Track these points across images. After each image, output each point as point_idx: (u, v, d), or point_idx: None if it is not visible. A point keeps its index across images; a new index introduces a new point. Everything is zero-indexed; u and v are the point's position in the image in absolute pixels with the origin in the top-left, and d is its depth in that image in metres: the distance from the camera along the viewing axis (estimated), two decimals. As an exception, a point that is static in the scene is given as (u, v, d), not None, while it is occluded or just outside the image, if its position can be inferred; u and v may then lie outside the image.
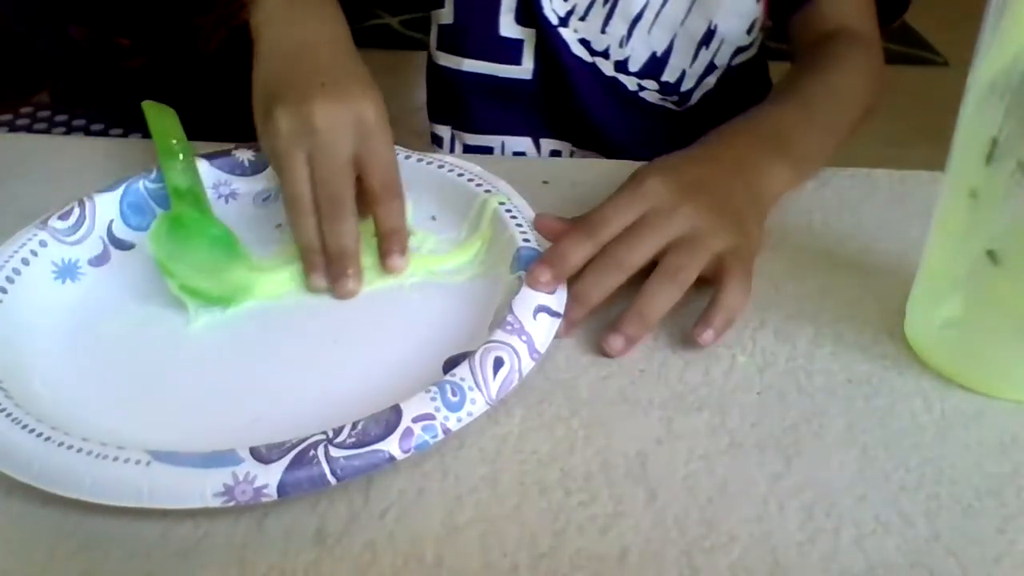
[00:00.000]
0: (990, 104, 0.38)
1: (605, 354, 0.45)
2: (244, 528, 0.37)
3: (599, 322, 0.46)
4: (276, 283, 0.50)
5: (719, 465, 0.39)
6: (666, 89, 0.72)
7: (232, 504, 0.35)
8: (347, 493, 0.38)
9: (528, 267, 0.46)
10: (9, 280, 0.46)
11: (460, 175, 0.54)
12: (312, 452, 0.36)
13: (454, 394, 0.39)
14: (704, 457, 0.39)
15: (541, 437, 0.40)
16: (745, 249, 0.47)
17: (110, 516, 0.36)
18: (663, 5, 0.68)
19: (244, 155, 0.56)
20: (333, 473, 0.36)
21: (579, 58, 0.70)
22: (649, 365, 0.44)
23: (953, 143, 0.41)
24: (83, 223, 0.50)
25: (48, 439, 0.37)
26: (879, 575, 0.34)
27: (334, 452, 0.36)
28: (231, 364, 0.45)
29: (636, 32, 0.69)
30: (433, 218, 0.53)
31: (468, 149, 0.77)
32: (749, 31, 0.70)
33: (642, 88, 0.72)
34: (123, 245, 0.52)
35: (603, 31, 0.69)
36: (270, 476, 0.35)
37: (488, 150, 0.76)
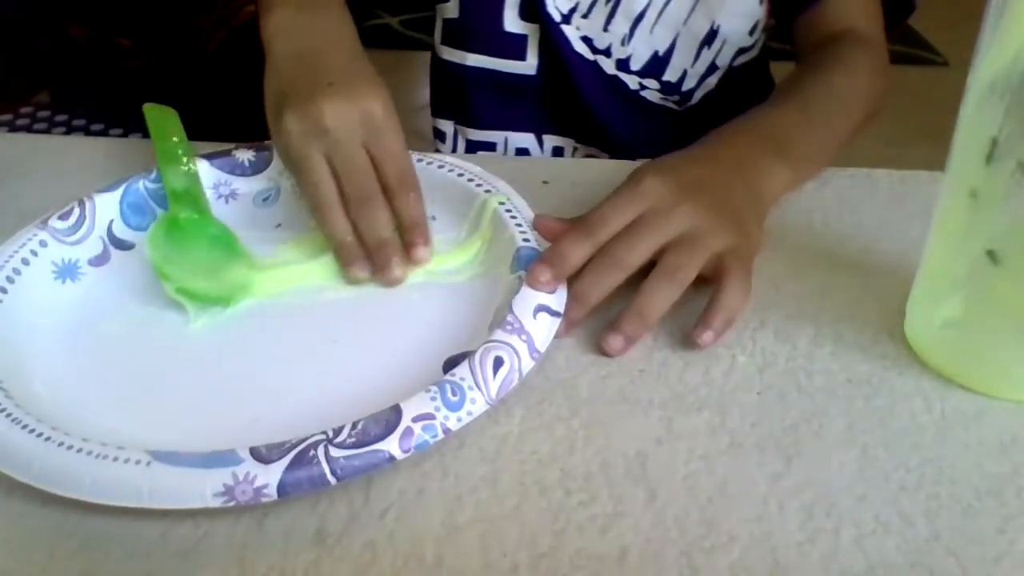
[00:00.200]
0: (990, 104, 0.38)
1: (605, 353, 0.45)
2: (244, 528, 0.37)
3: (599, 322, 0.46)
4: (276, 281, 0.50)
5: (719, 465, 0.39)
6: (667, 88, 0.72)
7: (232, 504, 0.35)
8: (347, 493, 0.38)
9: (528, 267, 0.46)
10: (9, 280, 0.46)
11: (460, 175, 0.54)
12: (312, 452, 0.36)
13: (454, 394, 0.39)
14: (704, 457, 0.39)
15: (541, 437, 0.40)
16: (744, 249, 0.47)
17: (110, 516, 0.36)
18: (666, 4, 0.68)
19: (244, 155, 0.56)
20: (333, 473, 0.36)
21: (581, 55, 0.71)
22: (649, 365, 0.44)
23: (953, 143, 0.41)
24: (83, 223, 0.50)
25: (48, 439, 0.37)
26: (879, 575, 0.34)
27: (334, 452, 0.36)
28: (231, 364, 0.45)
29: (638, 31, 0.69)
30: (433, 218, 0.53)
31: (471, 144, 0.77)
32: (751, 32, 0.70)
33: (643, 87, 0.72)
34: (123, 245, 0.52)
35: (605, 29, 0.69)
36: (270, 476, 0.35)
37: (491, 146, 0.77)
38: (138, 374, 0.44)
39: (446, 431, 0.38)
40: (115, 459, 0.35)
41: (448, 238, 0.52)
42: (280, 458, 0.35)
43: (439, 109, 0.79)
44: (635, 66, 0.71)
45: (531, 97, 0.74)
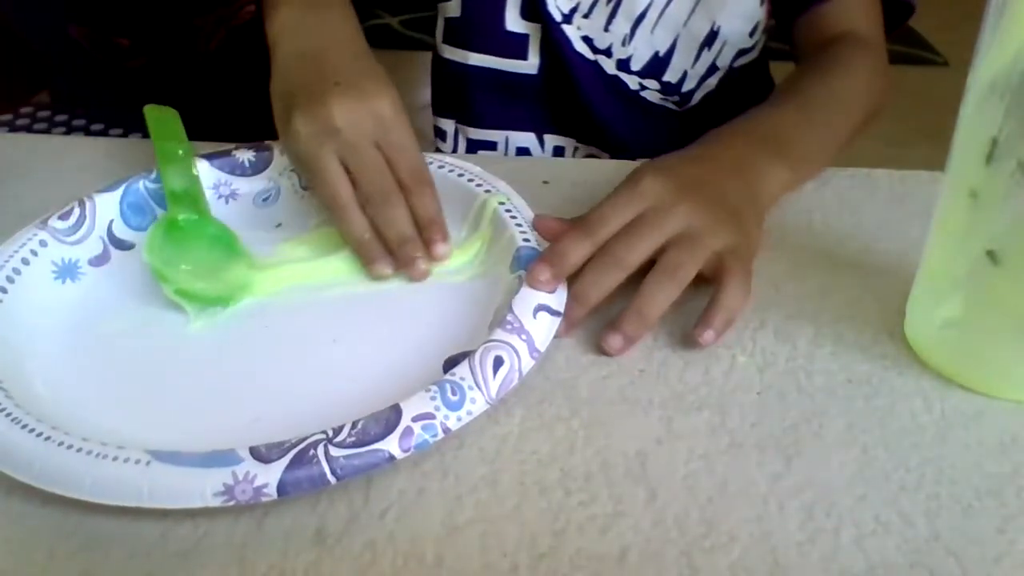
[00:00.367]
0: (990, 104, 0.38)
1: (604, 353, 0.45)
2: (244, 528, 0.37)
3: (599, 322, 0.46)
4: (276, 280, 0.50)
5: (719, 465, 0.39)
6: (667, 89, 0.72)
7: (232, 504, 0.35)
8: (347, 493, 0.38)
9: (528, 267, 0.46)
10: (9, 280, 0.46)
11: (460, 175, 0.54)
12: (312, 451, 0.36)
13: (454, 393, 0.39)
14: (704, 457, 0.39)
15: (541, 437, 0.40)
16: (744, 248, 0.47)
17: (110, 516, 0.36)
18: (667, 5, 0.68)
19: (244, 155, 0.56)
20: (333, 472, 0.36)
21: (581, 55, 0.71)
22: (649, 365, 0.44)
23: (953, 143, 0.41)
24: (83, 223, 0.50)
25: (48, 439, 0.37)
26: (879, 575, 0.34)
27: (334, 451, 0.36)
28: (231, 364, 0.45)
29: (639, 31, 0.69)
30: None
31: (472, 144, 0.77)
32: (752, 33, 0.70)
33: (643, 87, 0.72)
34: (123, 245, 0.52)
35: (606, 29, 0.69)
36: (270, 475, 0.35)
37: (492, 145, 0.77)
38: (138, 374, 0.44)
39: (446, 431, 0.38)
40: (115, 459, 0.35)
41: (448, 238, 0.52)
42: (280, 458, 0.35)
43: (440, 108, 0.79)
44: (635, 66, 0.71)
45: (532, 97, 0.74)
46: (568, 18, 0.69)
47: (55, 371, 0.43)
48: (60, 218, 0.50)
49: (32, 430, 0.37)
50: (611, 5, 0.68)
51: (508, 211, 0.51)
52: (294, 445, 0.36)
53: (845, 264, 0.51)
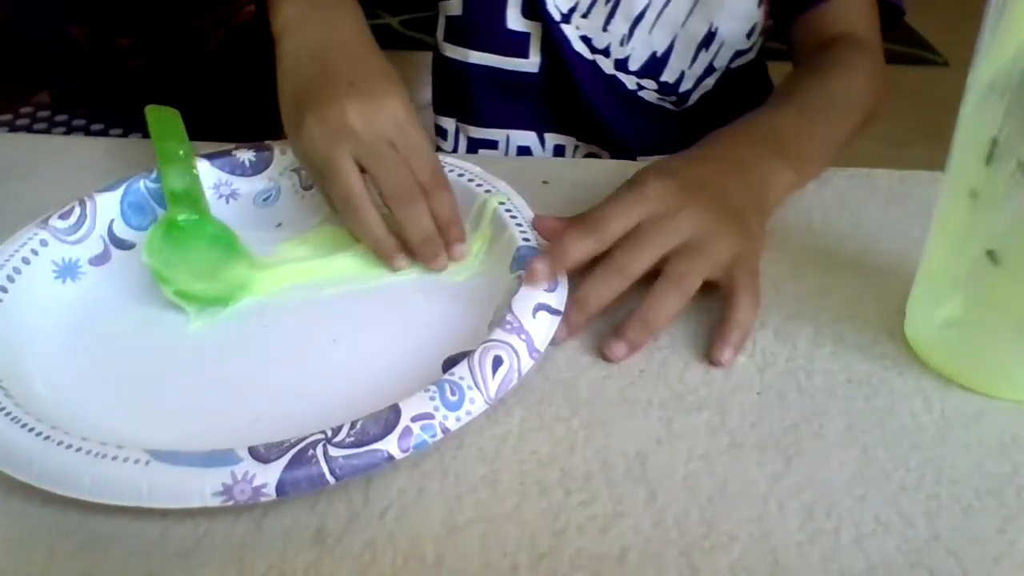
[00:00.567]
0: (990, 104, 0.38)
1: (607, 359, 0.45)
2: (243, 528, 0.37)
3: (599, 322, 0.46)
4: (276, 279, 0.50)
5: (719, 465, 0.39)
6: (665, 89, 0.72)
7: (231, 503, 0.35)
8: (347, 493, 0.38)
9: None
10: (9, 279, 0.46)
11: (460, 175, 0.54)
12: (311, 451, 0.36)
13: (453, 393, 0.39)
14: (704, 457, 0.39)
15: (541, 437, 0.40)
16: (749, 255, 0.47)
17: (110, 516, 0.36)
18: (665, 5, 0.68)
19: (244, 155, 0.56)
20: (332, 472, 0.36)
21: (580, 55, 0.71)
22: (649, 365, 0.44)
23: (953, 143, 0.41)
24: (84, 222, 0.50)
25: (48, 439, 0.37)
26: (879, 575, 0.34)
27: (333, 451, 0.36)
28: (231, 364, 0.45)
29: (637, 31, 0.69)
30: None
31: (472, 142, 0.77)
32: (749, 35, 0.70)
33: (641, 87, 0.72)
34: (124, 245, 0.52)
35: (604, 29, 0.69)
36: (269, 475, 0.35)
37: (493, 144, 0.77)
38: (138, 374, 0.44)
39: (445, 431, 0.38)
40: (114, 458, 0.35)
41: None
42: (279, 457, 0.35)
43: (441, 106, 0.79)
44: (633, 66, 0.71)
45: (533, 95, 0.74)
46: (567, 18, 0.69)
47: (55, 371, 0.43)
48: (60, 217, 0.50)
49: (32, 430, 0.37)
50: (609, 5, 0.68)
51: (508, 211, 0.51)
52: (293, 445, 0.36)
53: (845, 264, 0.51)
